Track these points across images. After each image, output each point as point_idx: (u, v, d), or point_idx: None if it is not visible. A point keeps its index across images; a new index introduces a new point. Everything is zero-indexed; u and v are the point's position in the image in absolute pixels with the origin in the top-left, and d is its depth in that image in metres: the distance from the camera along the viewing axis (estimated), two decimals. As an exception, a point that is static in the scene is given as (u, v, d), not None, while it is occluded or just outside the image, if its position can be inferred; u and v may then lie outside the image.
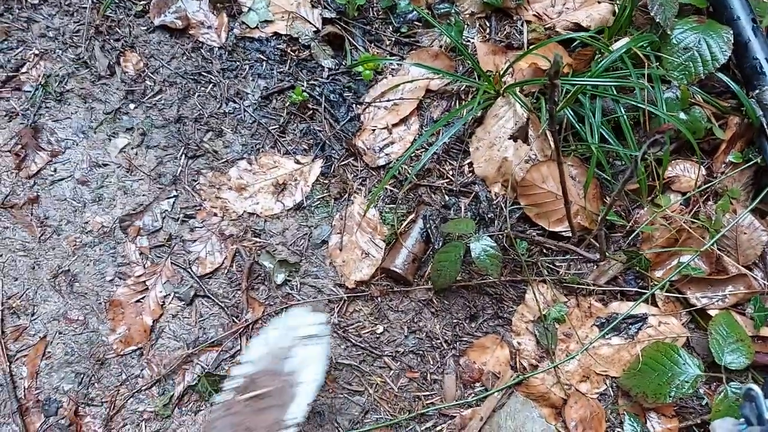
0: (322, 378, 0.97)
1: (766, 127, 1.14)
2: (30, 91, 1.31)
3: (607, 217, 1.19)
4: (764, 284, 1.16)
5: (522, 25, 1.38)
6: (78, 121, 1.31)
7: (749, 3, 1.21)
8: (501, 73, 1.25)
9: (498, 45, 1.36)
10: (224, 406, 0.93)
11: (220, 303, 1.20)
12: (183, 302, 1.21)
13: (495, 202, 1.25)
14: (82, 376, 1.17)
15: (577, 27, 1.32)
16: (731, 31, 1.17)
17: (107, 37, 1.36)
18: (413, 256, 1.21)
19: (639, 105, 1.14)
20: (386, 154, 1.30)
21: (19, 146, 1.28)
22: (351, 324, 1.21)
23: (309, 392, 0.95)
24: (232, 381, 0.96)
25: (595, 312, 1.20)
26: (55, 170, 1.28)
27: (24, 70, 1.32)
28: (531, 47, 1.26)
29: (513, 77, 1.28)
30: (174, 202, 1.26)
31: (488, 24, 1.40)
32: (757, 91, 1.15)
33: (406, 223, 1.25)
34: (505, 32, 1.39)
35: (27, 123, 1.29)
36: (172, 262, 1.23)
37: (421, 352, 1.20)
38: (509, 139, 1.17)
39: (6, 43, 1.34)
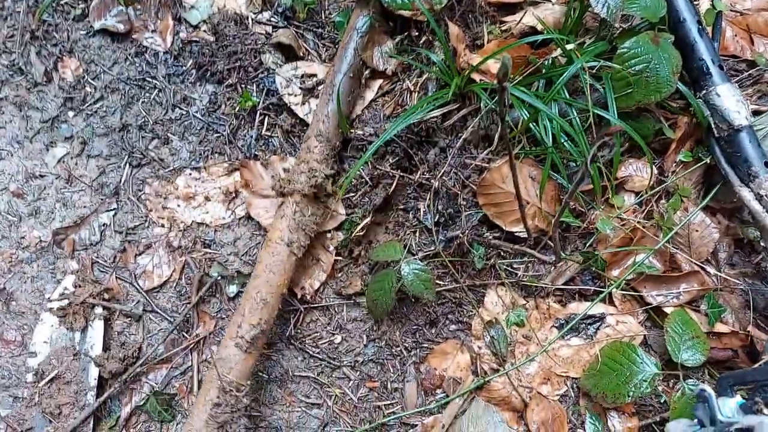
0: None
1: (713, 126, 1.16)
2: (-41, 99, 1.24)
3: (563, 219, 1.19)
4: (717, 280, 1.18)
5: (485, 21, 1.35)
6: (12, 130, 1.23)
7: (694, 5, 1.22)
8: (468, 69, 1.22)
9: (465, 34, 1.33)
10: None
11: (168, 318, 1.15)
12: (130, 318, 1.15)
13: (456, 201, 1.23)
14: (20, 399, 1.09)
15: (532, 29, 1.32)
16: (680, 57, 1.16)
17: (44, 42, 1.29)
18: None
19: (589, 109, 1.14)
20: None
21: (-53, 158, 1.20)
22: (308, 335, 1.17)
23: None
24: None
25: (553, 313, 1.19)
26: (-13, 183, 1.21)
27: (-48, 76, 1.25)
28: (498, 49, 1.22)
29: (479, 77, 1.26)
30: (116, 213, 1.20)
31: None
32: (704, 92, 1.16)
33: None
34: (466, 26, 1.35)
35: (-44, 133, 1.22)
36: (117, 277, 1.17)
37: (381, 361, 1.17)
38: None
39: (-69, 48, 1.25)
